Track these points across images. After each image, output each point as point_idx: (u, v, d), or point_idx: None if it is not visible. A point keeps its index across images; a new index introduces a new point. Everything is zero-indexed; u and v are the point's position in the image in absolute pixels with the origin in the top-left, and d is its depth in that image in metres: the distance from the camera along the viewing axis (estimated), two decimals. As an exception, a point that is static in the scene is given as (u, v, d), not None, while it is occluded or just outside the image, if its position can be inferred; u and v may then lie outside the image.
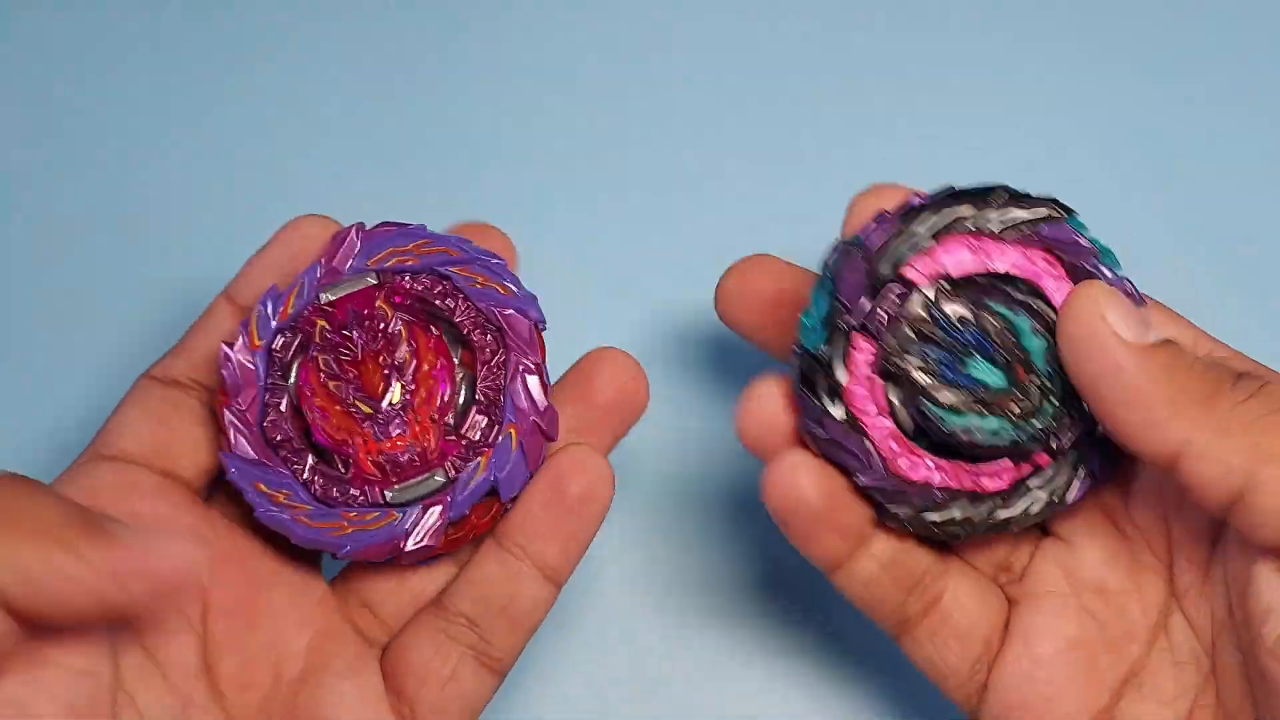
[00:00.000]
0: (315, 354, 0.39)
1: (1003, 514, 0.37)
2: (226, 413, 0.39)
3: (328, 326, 0.39)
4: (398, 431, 0.39)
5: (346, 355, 0.39)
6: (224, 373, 0.39)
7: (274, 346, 0.40)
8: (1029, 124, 0.52)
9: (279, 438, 0.39)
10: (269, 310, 0.40)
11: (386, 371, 0.39)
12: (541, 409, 0.39)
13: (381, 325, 0.39)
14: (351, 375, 0.39)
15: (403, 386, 0.39)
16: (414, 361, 0.39)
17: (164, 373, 0.40)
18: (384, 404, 0.39)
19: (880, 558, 0.38)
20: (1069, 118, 0.52)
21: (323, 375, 0.39)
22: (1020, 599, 0.39)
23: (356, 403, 0.39)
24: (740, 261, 0.41)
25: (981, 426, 0.36)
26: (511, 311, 0.39)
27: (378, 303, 0.39)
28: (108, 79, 0.54)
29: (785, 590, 0.46)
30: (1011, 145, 0.51)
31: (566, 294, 0.46)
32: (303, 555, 0.40)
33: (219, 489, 0.40)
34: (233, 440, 0.39)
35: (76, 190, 0.53)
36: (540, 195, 0.52)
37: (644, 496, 0.48)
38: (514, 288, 0.40)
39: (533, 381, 0.39)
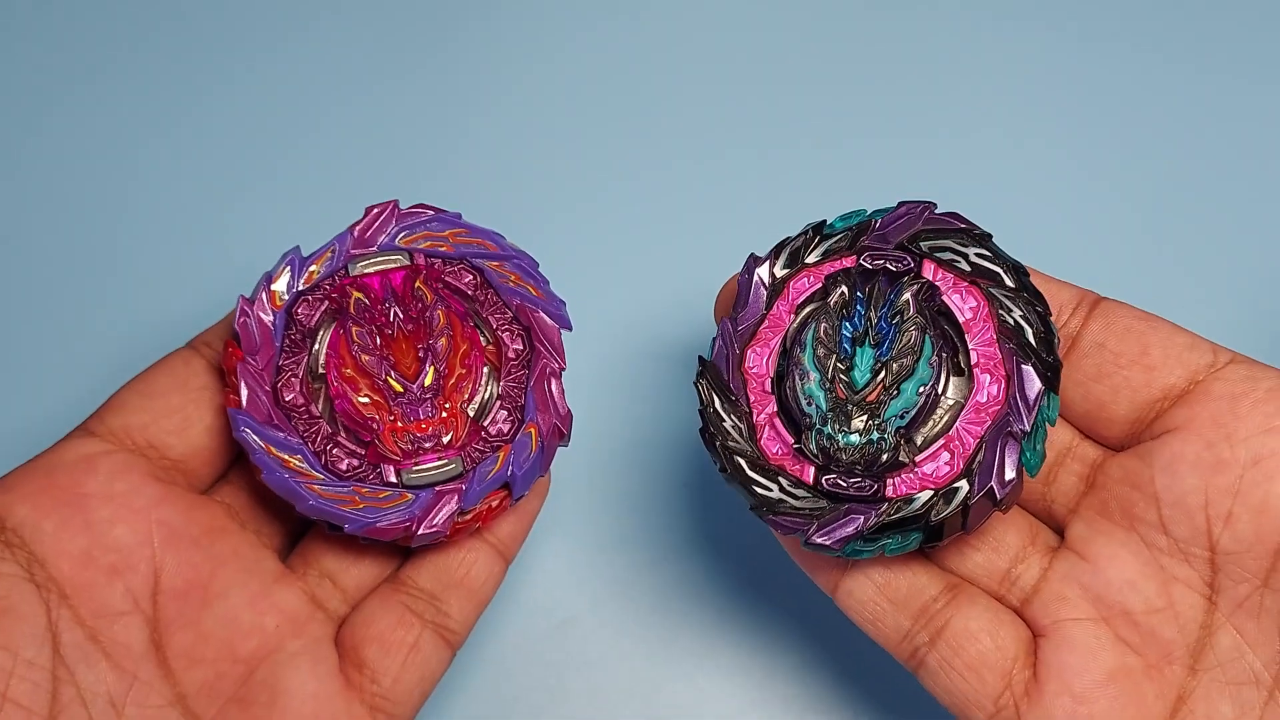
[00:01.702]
0: (349, 324, 0.38)
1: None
2: (240, 368, 0.37)
3: (364, 299, 0.38)
4: (426, 415, 0.38)
5: (384, 331, 0.38)
6: (238, 327, 0.38)
7: (295, 310, 0.38)
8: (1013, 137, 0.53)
9: (293, 402, 0.38)
10: (294, 270, 0.38)
11: (422, 354, 0.38)
12: (563, 413, 0.39)
13: (420, 307, 0.38)
14: (385, 352, 0.38)
15: (436, 371, 0.38)
16: (450, 348, 0.38)
17: (203, 339, 0.39)
18: (415, 385, 0.38)
19: (875, 578, 0.38)
20: (1058, 127, 0.53)
21: (355, 347, 0.38)
22: (1045, 630, 0.37)
23: (389, 379, 0.38)
24: (732, 278, 0.40)
25: (815, 394, 0.37)
26: (541, 314, 0.39)
27: (417, 284, 0.39)
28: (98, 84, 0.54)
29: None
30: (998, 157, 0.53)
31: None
32: (266, 531, 0.39)
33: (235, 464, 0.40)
34: (243, 397, 0.37)
35: (92, 185, 0.52)
36: (539, 195, 0.52)
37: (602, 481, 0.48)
38: (545, 290, 0.40)
39: (556, 386, 0.39)
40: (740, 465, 0.37)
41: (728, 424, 0.38)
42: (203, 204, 0.52)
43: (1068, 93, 0.53)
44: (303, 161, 0.52)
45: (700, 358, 0.38)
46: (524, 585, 0.47)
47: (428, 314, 0.39)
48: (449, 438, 0.38)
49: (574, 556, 0.47)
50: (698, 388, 0.38)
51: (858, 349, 0.38)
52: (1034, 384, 0.37)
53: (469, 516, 0.38)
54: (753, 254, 0.39)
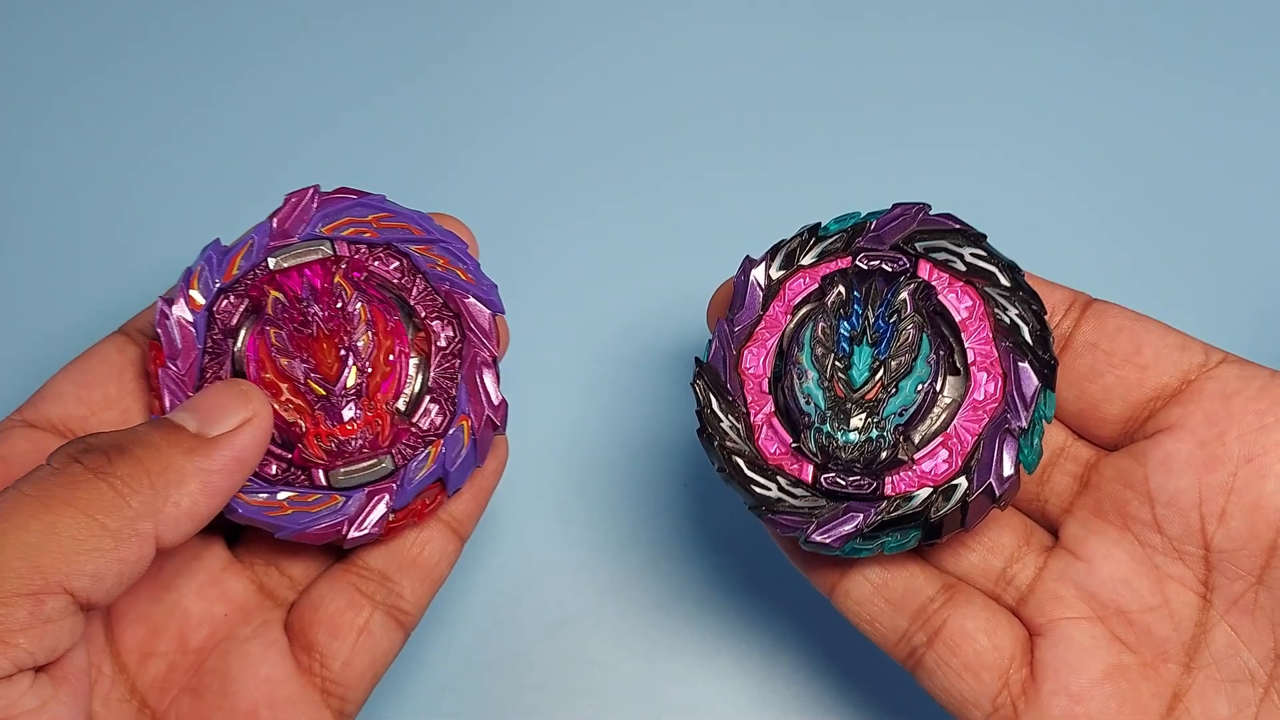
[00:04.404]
0: (267, 326, 0.37)
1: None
2: (161, 374, 0.37)
3: (282, 298, 0.37)
4: (350, 416, 0.37)
5: (304, 331, 0.37)
6: (160, 331, 0.37)
7: (216, 307, 0.37)
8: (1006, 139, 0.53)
9: (216, 406, 0.37)
10: (212, 268, 0.37)
11: (343, 352, 0.37)
12: (495, 403, 0.38)
13: (339, 304, 0.37)
14: (304, 354, 0.37)
15: (358, 370, 0.37)
16: (372, 346, 0.37)
17: (135, 325, 0.38)
18: (337, 387, 0.37)
19: (872, 578, 0.38)
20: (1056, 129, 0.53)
21: (273, 349, 0.37)
22: (1041, 629, 0.37)
23: (310, 383, 0.37)
24: (727, 281, 0.40)
25: (814, 393, 0.37)
26: (471, 299, 0.38)
27: (336, 278, 0.37)
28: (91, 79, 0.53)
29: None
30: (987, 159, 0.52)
31: (531, 286, 0.46)
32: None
33: None
34: (167, 404, 0.37)
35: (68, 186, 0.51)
36: (534, 198, 0.51)
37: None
38: (475, 274, 0.38)
39: (489, 375, 0.38)
40: (738, 465, 0.37)
41: (725, 424, 0.37)
42: (140, 185, 0.51)
43: (1057, 96, 0.53)
44: (268, 155, 0.52)
45: (696, 359, 0.38)
46: (523, 585, 0.47)
47: (348, 309, 0.37)
48: (375, 439, 0.37)
49: (573, 557, 0.47)
50: (695, 388, 0.38)
51: (855, 348, 0.38)
52: (1031, 381, 0.37)
53: (402, 514, 0.37)
54: (748, 256, 0.38)
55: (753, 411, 0.38)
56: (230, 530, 0.40)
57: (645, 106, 0.53)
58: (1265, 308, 0.49)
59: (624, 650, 0.46)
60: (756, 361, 0.38)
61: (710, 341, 0.38)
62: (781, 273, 0.39)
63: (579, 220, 0.51)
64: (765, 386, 0.38)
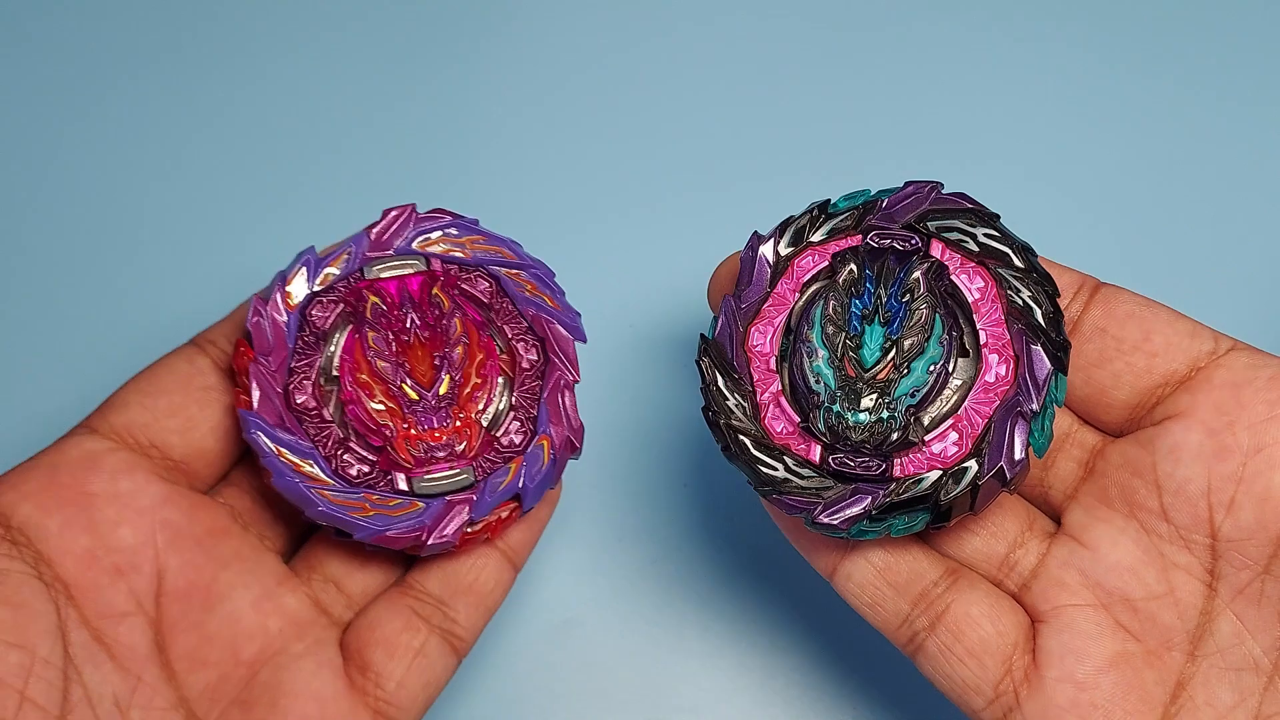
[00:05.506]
0: (366, 330, 0.38)
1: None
2: (252, 368, 0.37)
3: (380, 303, 0.38)
4: (441, 423, 0.37)
5: (402, 337, 0.38)
6: (251, 327, 0.37)
7: (309, 311, 0.38)
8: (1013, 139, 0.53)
9: (304, 405, 0.37)
10: (310, 271, 0.38)
11: (438, 362, 0.38)
12: (575, 426, 0.39)
13: (437, 314, 0.38)
14: (401, 359, 0.38)
15: (451, 379, 0.38)
16: (466, 358, 0.38)
17: (207, 336, 0.38)
18: (430, 393, 0.38)
19: (875, 561, 0.38)
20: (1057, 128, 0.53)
21: (371, 353, 0.37)
22: (1044, 615, 0.37)
23: (404, 387, 0.37)
24: (731, 256, 0.40)
25: (824, 373, 0.37)
26: (557, 324, 0.39)
27: (434, 290, 0.38)
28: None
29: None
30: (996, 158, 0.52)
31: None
32: (269, 534, 0.39)
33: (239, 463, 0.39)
34: (255, 399, 0.36)
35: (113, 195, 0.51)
36: (530, 186, 0.52)
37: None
38: (561, 301, 0.39)
39: (569, 398, 0.39)
40: (744, 444, 0.37)
41: (731, 402, 0.37)
42: (209, 201, 0.51)
43: (1069, 82, 0.53)
44: (304, 161, 0.52)
45: (702, 335, 0.38)
46: (525, 585, 0.46)
47: (444, 321, 0.38)
48: (462, 447, 0.38)
49: (574, 556, 0.47)
50: (700, 365, 0.37)
51: (867, 327, 0.37)
52: (1043, 364, 0.37)
53: (479, 527, 0.37)
54: (756, 231, 0.38)
55: (759, 390, 0.37)
56: (287, 545, 0.39)
57: (644, 89, 0.53)
58: (1275, 296, 0.49)
59: (626, 650, 0.46)
60: (764, 339, 0.37)
61: (715, 318, 0.38)
62: (790, 249, 0.38)
63: (574, 216, 0.51)
64: (772, 365, 0.37)
